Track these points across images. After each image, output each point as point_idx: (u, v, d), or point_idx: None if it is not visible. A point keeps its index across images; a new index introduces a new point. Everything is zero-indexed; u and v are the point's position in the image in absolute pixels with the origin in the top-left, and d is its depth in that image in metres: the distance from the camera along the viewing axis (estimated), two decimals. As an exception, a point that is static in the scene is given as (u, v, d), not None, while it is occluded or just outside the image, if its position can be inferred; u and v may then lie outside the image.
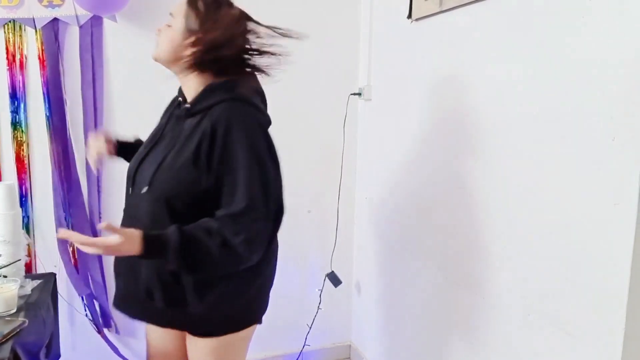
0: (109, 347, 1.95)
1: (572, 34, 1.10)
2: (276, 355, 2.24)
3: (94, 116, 1.84)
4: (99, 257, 1.91)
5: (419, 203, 1.77)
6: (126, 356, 1.99)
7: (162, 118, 1.24)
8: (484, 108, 1.40)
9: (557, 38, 1.15)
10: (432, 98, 1.67)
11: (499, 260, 1.35)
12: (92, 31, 1.80)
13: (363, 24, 2.12)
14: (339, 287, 2.21)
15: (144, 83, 1.84)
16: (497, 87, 1.34)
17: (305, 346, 2.24)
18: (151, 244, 0.97)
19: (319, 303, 2.22)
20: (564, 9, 1.12)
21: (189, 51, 1.06)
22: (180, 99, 1.17)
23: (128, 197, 1.17)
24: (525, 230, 1.25)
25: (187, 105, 1.11)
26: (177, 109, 1.16)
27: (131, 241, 0.95)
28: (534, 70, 1.21)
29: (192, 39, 1.06)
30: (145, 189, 1.07)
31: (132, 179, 1.15)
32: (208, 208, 1.05)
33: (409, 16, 1.73)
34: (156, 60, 1.12)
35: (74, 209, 1.85)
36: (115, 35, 1.83)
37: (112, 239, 0.93)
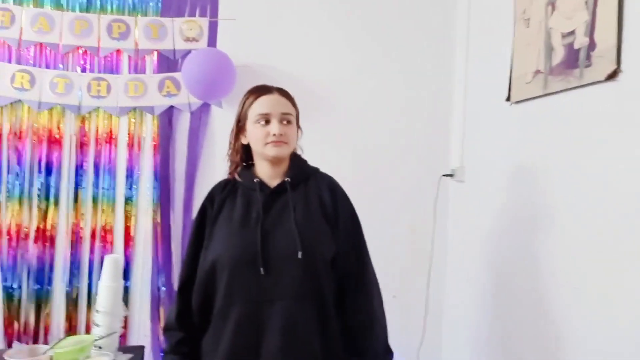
0: None
1: None
2: None
3: (190, 189, 1.96)
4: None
5: (512, 293, 1.58)
6: None
7: (224, 202, 1.25)
8: (570, 198, 1.26)
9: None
10: (526, 183, 1.55)
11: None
12: (200, 116, 1.98)
13: (457, 103, 2.09)
14: (428, 385, 1.99)
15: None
16: (591, 176, 1.21)
17: None
18: None
19: (405, 401, 2.01)
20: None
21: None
22: (256, 180, 1.24)
23: (253, 279, 1.15)
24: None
25: (288, 179, 1.24)
26: (264, 189, 1.23)
27: None
28: None
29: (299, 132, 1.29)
30: (300, 254, 1.13)
31: (263, 257, 1.14)
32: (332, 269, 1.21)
33: (508, 98, 1.67)
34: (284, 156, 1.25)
35: (167, 280, 1.93)
36: (220, 118, 1.98)
37: None
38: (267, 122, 1.20)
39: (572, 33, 1.38)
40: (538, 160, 1.51)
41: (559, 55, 1.42)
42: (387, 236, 2.08)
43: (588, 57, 1.31)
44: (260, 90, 1.25)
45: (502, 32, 1.72)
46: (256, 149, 1.23)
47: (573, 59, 1.36)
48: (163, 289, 1.92)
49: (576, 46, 1.36)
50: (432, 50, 2.11)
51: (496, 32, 1.79)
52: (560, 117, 1.42)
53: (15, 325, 1.82)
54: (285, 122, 1.22)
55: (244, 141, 1.26)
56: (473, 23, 2.01)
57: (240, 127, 1.26)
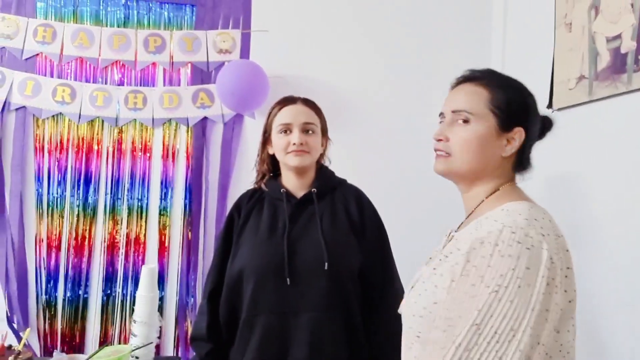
0: None
1: None
2: None
3: (223, 200, 1.97)
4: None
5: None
6: None
7: (251, 212, 1.26)
8: (615, 210, 1.19)
9: None
10: (568, 194, 1.48)
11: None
12: (233, 127, 2.00)
13: (492, 113, 2.04)
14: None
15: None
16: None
17: None
18: None
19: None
20: None
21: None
22: (282, 191, 1.25)
23: (278, 290, 1.14)
24: None
25: (314, 190, 1.24)
26: (290, 199, 1.23)
27: None
28: None
29: None
30: (326, 266, 1.13)
31: (289, 267, 1.13)
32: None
33: (549, 105, 1.62)
34: None
35: (195, 291, 1.94)
36: (253, 129, 1.99)
37: None
38: (289, 131, 1.22)
39: (618, 37, 1.33)
40: (581, 169, 1.45)
41: (604, 60, 1.37)
42: (420, 246, 2.03)
43: (636, 61, 1.26)
44: (284, 101, 1.27)
45: (541, 37, 1.67)
46: (280, 158, 1.26)
47: (620, 64, 1.31)
48: (191, 299, 1.92)
49: (623, 50, 1.31)
50: (468, 57, 2.06)
51: (535, 37, 1.75)
52: (607, 124, 1.36)
53: (54, 334, 1.86)
54: (307, 132, 1.23)
55: (270, 151, 1.28)
56: (510, 29, 1.97)
57: (266, 137, 1.29)
